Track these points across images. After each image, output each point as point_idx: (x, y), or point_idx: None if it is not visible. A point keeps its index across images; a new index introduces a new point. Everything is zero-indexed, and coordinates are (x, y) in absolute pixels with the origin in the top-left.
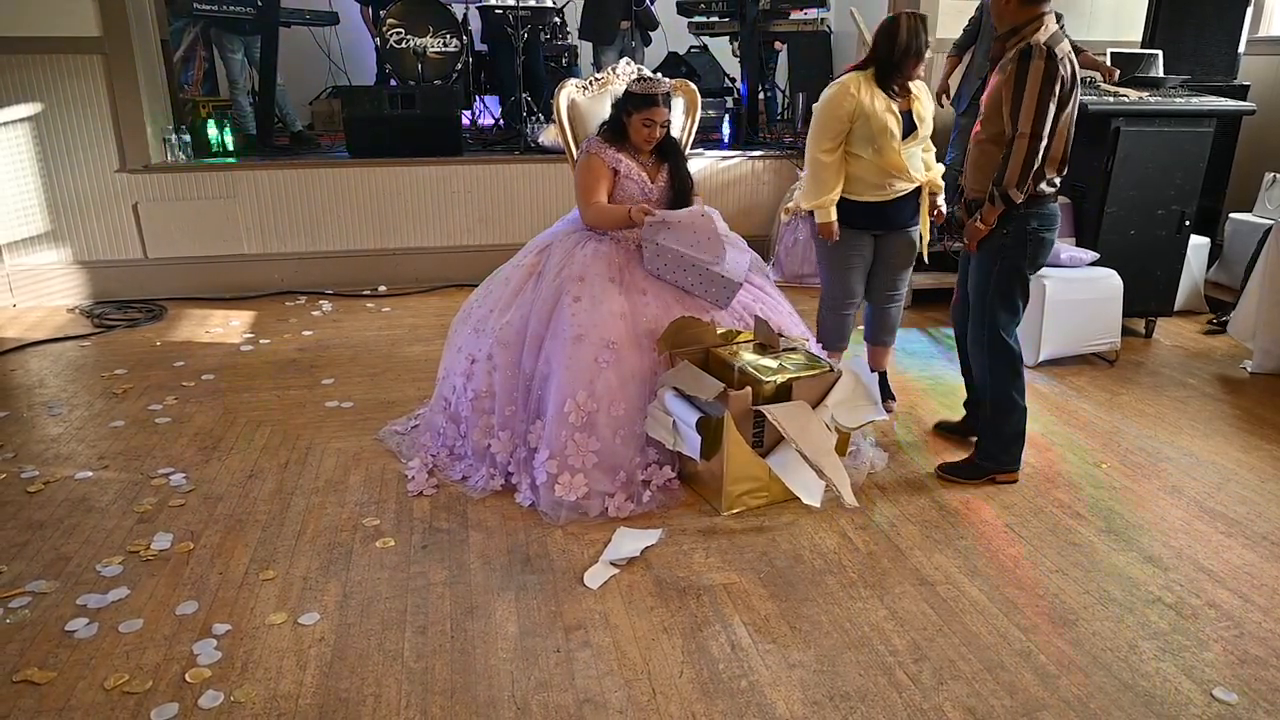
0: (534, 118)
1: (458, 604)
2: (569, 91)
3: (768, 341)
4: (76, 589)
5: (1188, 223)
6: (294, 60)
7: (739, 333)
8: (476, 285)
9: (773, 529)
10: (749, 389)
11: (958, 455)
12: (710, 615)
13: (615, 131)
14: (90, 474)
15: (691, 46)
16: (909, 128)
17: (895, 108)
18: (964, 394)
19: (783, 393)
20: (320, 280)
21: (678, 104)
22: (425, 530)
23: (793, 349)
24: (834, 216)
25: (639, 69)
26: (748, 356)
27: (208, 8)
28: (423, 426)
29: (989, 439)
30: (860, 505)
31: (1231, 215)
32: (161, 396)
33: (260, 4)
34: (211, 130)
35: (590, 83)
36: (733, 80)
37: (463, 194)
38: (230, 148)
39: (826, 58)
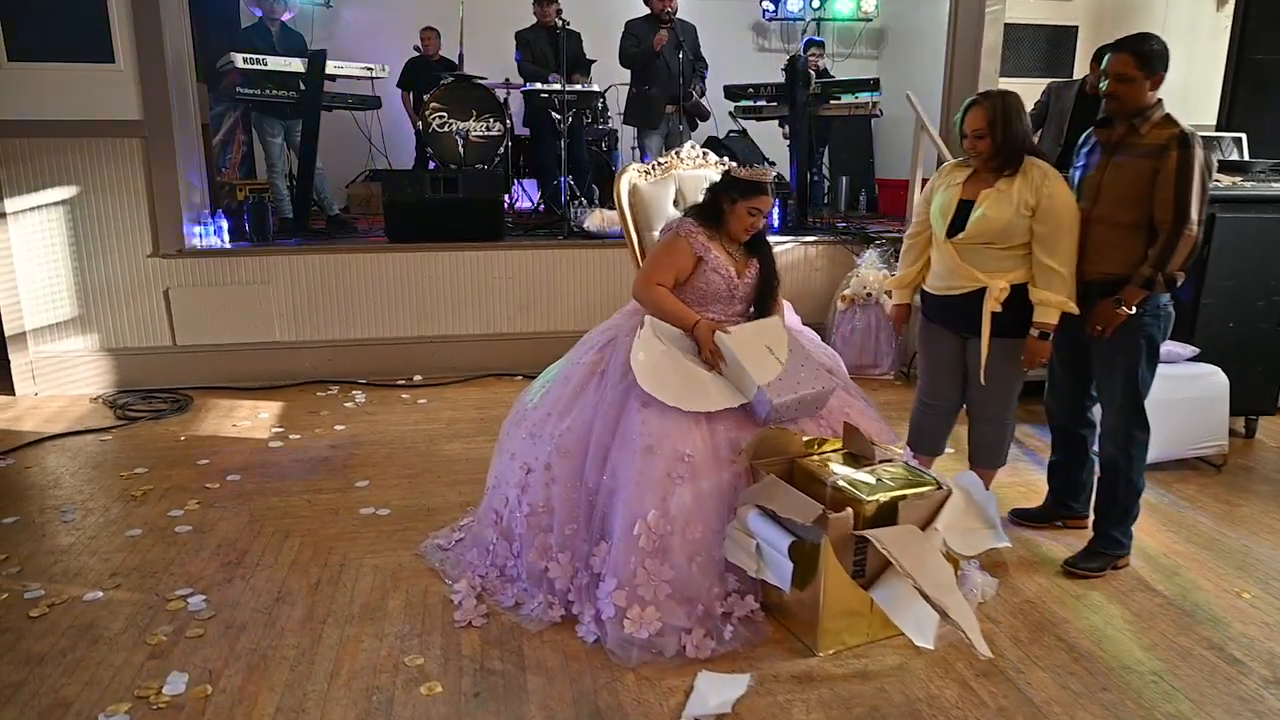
0: (577, 202)
1: None
2: (630, 176)
3: (860, 452)
4: None
5: None
6: (332, 143)
7: (825, 441)
8: (516, 375)
9: (879, 674)
10: (849, 510)
11: (1050, 548)
12: None
13: (709, 218)
14: (100, 594)
15: (730, 131)
16: (960, 222)
17: (955, 197)
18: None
19: (885, 513)
20: (353, 369)
21: None
22: (476, 672)
23: (889, 460)
24: (899, 301)
25: (705, 152)
26: (840, 469)
27: (251, 92)
28: (469, 541)
29: (1116, 523)
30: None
31: None
32: (183, 500)
33: (303, 88)
34: (248, 214)
35: (653, 168)
36: (773, 164)
37: (504, 280)
38: (266, 232)
39: (867, 142)
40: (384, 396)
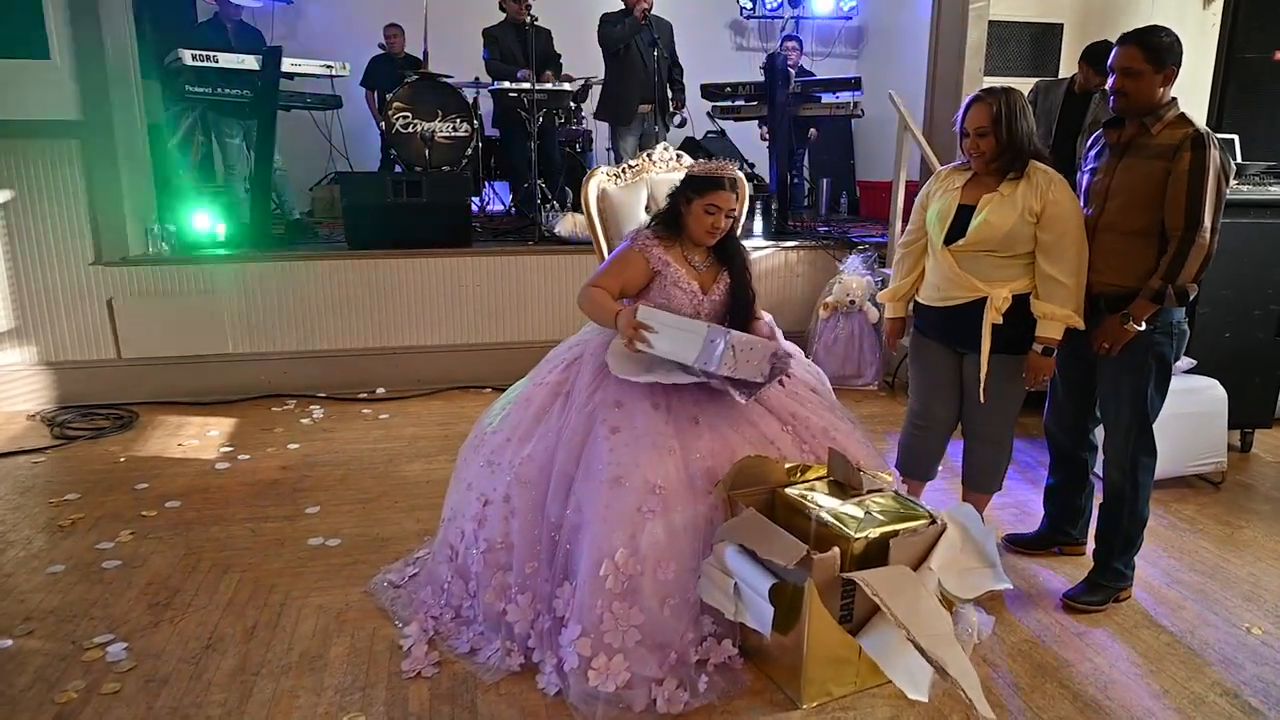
0: (548, 205)
1: None
2: (599, 180)
3: (846, 480)
4: None
5: None
6: (296, 145)
7: (808, 467)
8: (484, 388)
9: None
10: (835, 551)
11: (1047, 579)
12: None
13: (670, 224)
14: (9, 643)
15: (708, 132)
16: (959, 229)
17: (954, 202)
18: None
19: (874, 551)
20: (312, 382)
21: None
22: None
23: (878, 490)
24: (893, 314)
25: (679, 154)
26: (824, 501)
27: (202, 91)
28: (423, 577)
29: (1118, 554)
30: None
31: None
32: (115, 530)
33: (258, 86)
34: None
35: (623, 171)
36: (751, 165)
37: (471, 288)
38: (220, 237)
39: (847, 143)
40: (344, 411)
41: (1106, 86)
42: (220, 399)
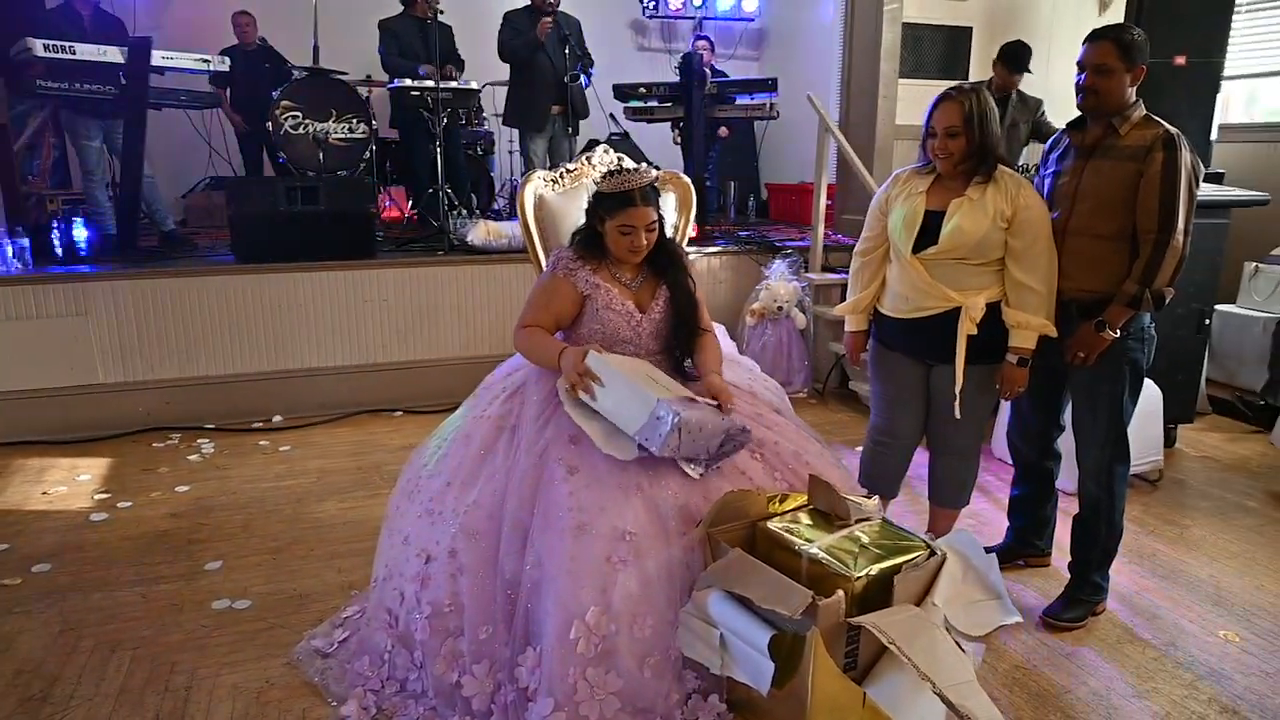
0: (456, 212)
1: None
2: (536, 186)
3: (831, 510)
4: None
5: (1208, 321)
6: (163, 147)
7: (786, 496)
8: (395, 411)
9: None
10: (841, 593)
11: (1020, 594)
12: None
13: (590, 244)
14: None
15: (612, 133)
16: (930, 235)
17: (920, 208)
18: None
19: (876, 589)
20: (198, 413)
21: (668, 200)
22: None
23: (865, 519)
24: (856, 328)
25: (620, 158)
26: (812, 534)
27: (57, 86)
28: (355, 644)
29: (1097, 568)
30: None
31: (1217, 308)
32: None
33: (124, 82)
34: (60, 231)
35: (561, 175)
36: (656, 168)
37: (376, 303)
38: (83, 252)
39: (752, 145)
40: (238, 444)
41: (1076, 83)
42: (90, 436)
